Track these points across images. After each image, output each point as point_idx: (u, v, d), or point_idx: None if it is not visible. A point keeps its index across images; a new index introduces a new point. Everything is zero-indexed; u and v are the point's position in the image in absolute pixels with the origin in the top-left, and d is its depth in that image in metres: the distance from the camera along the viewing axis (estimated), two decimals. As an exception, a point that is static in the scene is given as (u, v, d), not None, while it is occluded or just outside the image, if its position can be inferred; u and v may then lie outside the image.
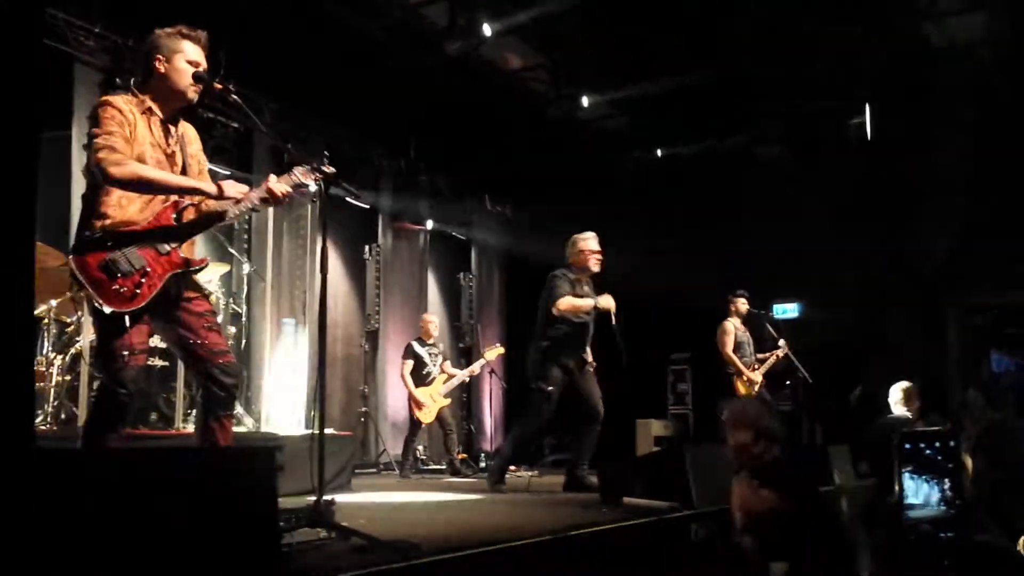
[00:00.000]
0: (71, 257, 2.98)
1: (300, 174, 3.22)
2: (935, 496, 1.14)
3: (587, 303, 5.69)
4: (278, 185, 3.20)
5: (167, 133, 3.20)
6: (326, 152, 3.35)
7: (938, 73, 8.38)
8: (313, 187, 3.32)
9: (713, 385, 8.03)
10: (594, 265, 5.83)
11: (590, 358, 5.85)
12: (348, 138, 8.68)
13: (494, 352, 8.23)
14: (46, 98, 3.59)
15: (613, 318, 5.65)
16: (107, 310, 2.92)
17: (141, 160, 3.06)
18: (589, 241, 5.88)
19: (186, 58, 3.16)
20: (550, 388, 5.64)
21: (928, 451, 1.16)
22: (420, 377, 7.94)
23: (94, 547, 1.90)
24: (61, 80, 6.04)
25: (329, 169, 3.24)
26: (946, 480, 1.11)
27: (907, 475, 1.16)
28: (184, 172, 3.22)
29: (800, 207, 9.26)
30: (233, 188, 3.20)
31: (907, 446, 1.19)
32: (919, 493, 1.17)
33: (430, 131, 9.04)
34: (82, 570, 1.87)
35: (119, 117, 3.03)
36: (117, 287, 2.95)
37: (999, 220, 8.52)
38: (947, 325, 8.91)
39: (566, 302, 5.65)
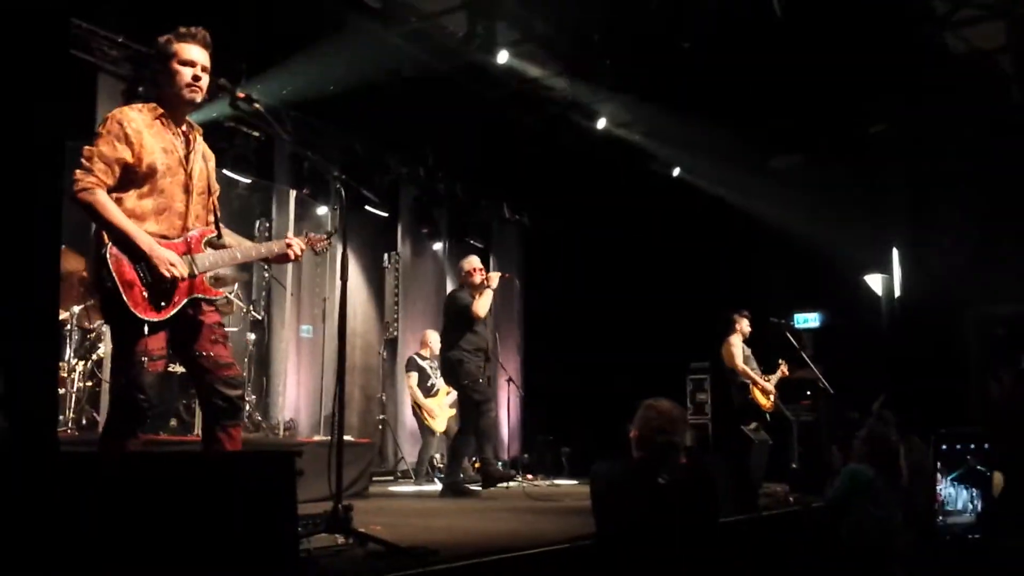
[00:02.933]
0: (108, 250, 2.94)
1: (315, 240, 3.52)
2: (971, 501, 1.12)
3: (492, 287, 6.47)
4: (296, 241, 3.45)
5: (182, 139, 3.19)
6: (343, 175, 3.35)
7: (957, 80, 8.31)
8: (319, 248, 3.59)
9: (732, 395, 7.96)
10: (477, 279, 6.51)
11: (490, 371, 6.73)
12: (366, 146, 8.72)
13: None
14: (70, 107, 3.63)
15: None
16: (136, 314, 2.94)
17: (152, 169, 3.05)
18: (471, 261, 6.71)
19: (179, 60, 3.13)
20: (479, 380, 6.41)
21: (966, 455, 1.13)
22: (425, 389, 8.13)
23: (114, 551, 1.91)
24: (85, 89, 6.12)
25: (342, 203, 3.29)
26: (981, 483, 1.10)
27: (948, 482, 1.14)
28: (190, 181, 3.20)
29: (819, 215, 9.21)
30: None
31: (943, 447, 1.16)
32: (958, 500, 1.15)
33: (448, 139, 9.07)
34: (102, 573, 1.88)
35: (118, 131, 3.01)
36: (146, 294, 2.96)
37: (1019, 227, 8.44)
38: (966, 333, 8.81)
39: (479, 304, 6.37)
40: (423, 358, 8.28)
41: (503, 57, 7.85)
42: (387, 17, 7.50)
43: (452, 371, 6.48)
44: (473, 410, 6.29)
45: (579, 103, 9.16)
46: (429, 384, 8.15)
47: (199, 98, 3.17)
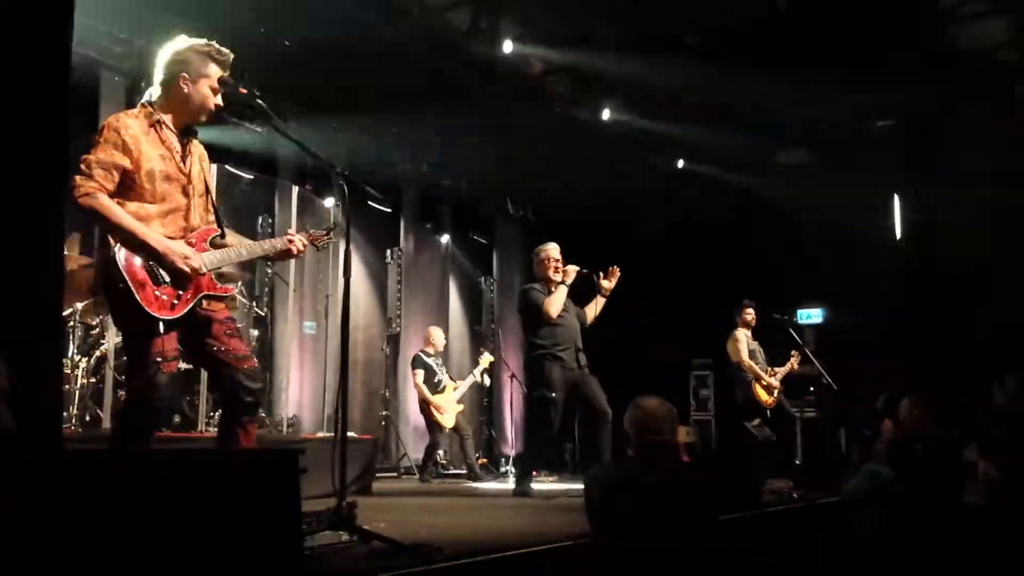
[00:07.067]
0: (117, 251, 2.94)
1: (316, 237, 3.52)
2: None
3: (566, 283, 5.86)
4: (298, 237, 3.43)
5: (182, 145, 3.18)
6: (345, 171, 3.36)
7: (963, 76, 8.28)
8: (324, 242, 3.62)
9: (736, 391, 7.95)
10: (553, 273, 5.95)
11: (584, 360, 5.91)
12: (370, 142, 8.71)
13: (486, 360, 8.50)
14: (73, 104, 3.63)
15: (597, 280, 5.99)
16: (151, 313, 2.93)
17: (150, 175, 3.04)
18: (550, 251, 6.04)
19: (211, 84, 3.14)
20: (553, 395, 5.66)
21: None
22: (432, 386, 8.06)
23: (118, 548, 1.91)
24: (87, 86, 6.11)
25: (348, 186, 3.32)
26: None
27: None
28: (190, 184, 3.19)
29: (823, 210, 9.19)
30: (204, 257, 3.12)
31: None
32: None
33: (452, 135, 9.05)
34: (106, 571, 1.89)
35: (116, 139, 3.00)
36: (159, 293, 2.96)
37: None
38: (973, 330, 8.78)
39: (550, 302, 5.80)
40: (428, 355, 8.22)
41: (507, 49, 7.84)
42: (391, 11, 7.49)
43: (531, 376, 5.92)
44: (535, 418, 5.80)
45: (582, 97, 9.13)
46: (436, 381, 8.10)
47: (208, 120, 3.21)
